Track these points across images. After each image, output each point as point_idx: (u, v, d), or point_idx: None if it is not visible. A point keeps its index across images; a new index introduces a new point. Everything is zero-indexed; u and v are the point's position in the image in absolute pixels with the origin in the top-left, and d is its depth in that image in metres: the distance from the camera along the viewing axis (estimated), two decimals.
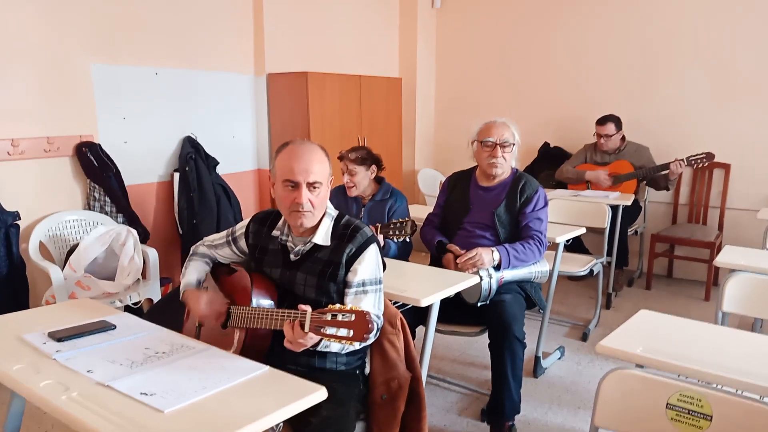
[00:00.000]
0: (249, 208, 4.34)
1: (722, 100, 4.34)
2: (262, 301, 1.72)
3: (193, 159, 3.79)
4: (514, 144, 2.55)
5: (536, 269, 2.53)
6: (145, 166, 3.75)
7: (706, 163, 3.95)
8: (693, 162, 3.94)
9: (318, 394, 1.32)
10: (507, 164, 2.57)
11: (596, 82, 4.84)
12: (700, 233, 4.33)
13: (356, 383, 1.79)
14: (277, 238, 1.83)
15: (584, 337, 3.51)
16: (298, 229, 1.78)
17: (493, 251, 2.40)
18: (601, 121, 4.31)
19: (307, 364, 1.73)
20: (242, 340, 1.69)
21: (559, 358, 3.24)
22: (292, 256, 1.79)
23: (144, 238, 3.50)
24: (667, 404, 1.39)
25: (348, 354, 1.78)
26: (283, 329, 1.52)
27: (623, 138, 4.36)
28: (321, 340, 1.50)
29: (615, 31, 4.72)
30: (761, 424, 1.26)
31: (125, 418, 1.20)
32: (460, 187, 2.72)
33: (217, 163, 3.95)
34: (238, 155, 4.33)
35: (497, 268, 2.41)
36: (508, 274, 2.44)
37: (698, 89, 4.41)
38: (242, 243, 1.92)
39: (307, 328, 1.47)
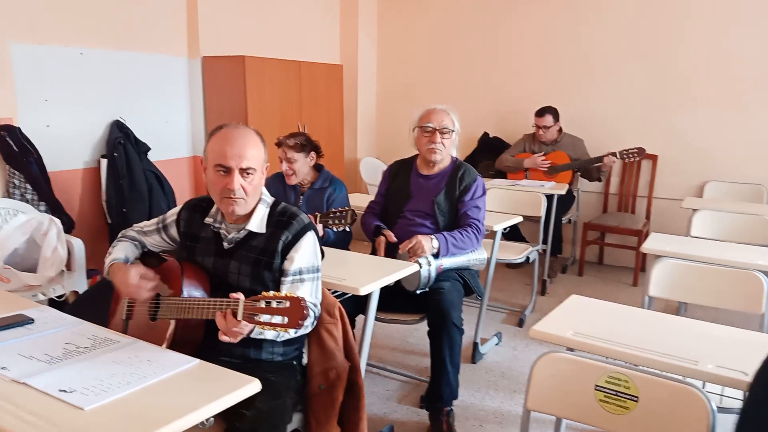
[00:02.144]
0: (184, 196, 4.19)
1: (652, 96, 4.52)
2: (193, 291, 1.66)
3: (122, 144, 3.61)
4: (453, 131, 2.57)
5: (474, 257, 2.56)
6: (70, 151, 3.55)
7: (638, 158, 4.12)
8: (625, 156, 4.10)
9: (251, 386, 1.28)
10: (446, 151, 2.59)
11: (536, 76, 4.95)
12: (629, 221, 4.53)
13: (293, 374, 1.76)
14: (209, 225, 1.76)
15: (520, 323, 3.60)
16: (230, 216, 1.72)
17: (432, 239, 2.41)
18: (540, 113, 4.41)
19: (242, 356, 1.69)
20: (173, 333, 1.62)
21: (497, 344, 3.31)
22: (225, 244, 1.73)
23: (69, 227, 3.31)
24: (596, 386, 1.43)
25: (285, 344, 1.75)
26: (215, 320, 1.47)
27: (560, 130, 4.49)
28: (255, 327, 1.46)
29: (555, 27, 4.83)
30: (684, 403, 1.31)
31: (42, 417, 1.12)
32: (401, 175, 2.71)
33: (149, 148, 3.78)
34: (172, 141, 4.16)
35: (436, 255, 2.43)
36: (447, 262, 2.46)
37: (631, 85, 4.59)
38: (173, 230, 1.84)
39: (239, 317, 1.42)
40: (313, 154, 2.81)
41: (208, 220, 1.77)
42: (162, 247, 1.88)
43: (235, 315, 1.43)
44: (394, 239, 2.47)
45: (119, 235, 1.89)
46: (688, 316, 2.20)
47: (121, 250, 1.80)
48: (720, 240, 3.08)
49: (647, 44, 4.50)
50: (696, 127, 4.41)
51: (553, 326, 1.69)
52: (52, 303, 2.85)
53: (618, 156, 4.10)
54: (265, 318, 1.39)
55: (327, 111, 4.90)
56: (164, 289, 1.70)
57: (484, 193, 2.61)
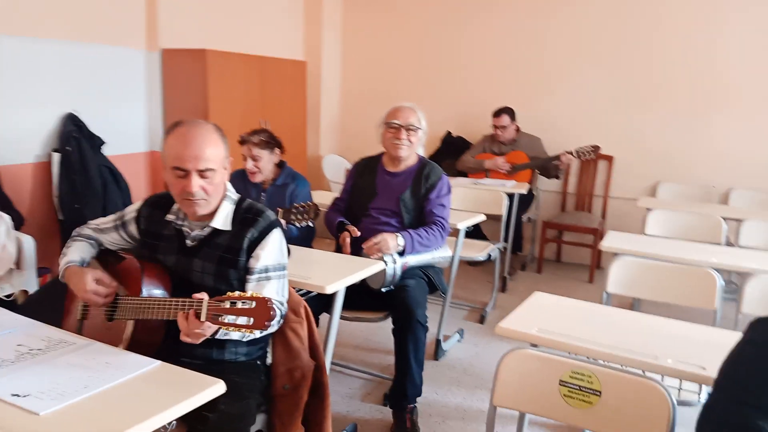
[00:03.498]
0: (140, 193, 4.06)
1: (609, 99, 4.64)
2: (153, 291, 1.60)
3: (76, 138, 3.47)
4: (420, 129, 2.57)
5: (439, 254, 2.57)
6: (20, 144, 3.39)
7: (593, 156, 4.22)
8: (581, 154, 4.19)
9: (215, 388, 1.25)
10: (412, 148, 2.59)
11: (498, 77, 5.01)
12: (586, 220, 4.64)
13: (257, 374, 1.73)
14: (171, 223, 1.71)
15: (482, 320, 3.64)
16: (193, 215, 1.67)
17: (397, 236, 2.41)
18: (497, 113, 4.49)
19: (204, 357, 1.64)
20: (131, 334, 1.56)
21: (459, 341, 3.33)
22: (188, 242, 1.68)
23: (18, 224, 3.16)
24: (560, 381, 1.46)
25: (249, 344, 1.71)
26: (177, 320, 1.42)
27: (517, 129, 4.56)
28: (219, 328, 1.43)
29: (517, 30, 4.90)
30: (646, 397, 1.35)
31: None
32: (367, 172, 2.70)
33: (103, 143, 3.65)
34: (129, 136, 4.03)
35: (401, 253, 2.42)
36: (412, 260, 2.46)
37: (588, 88, 4.69)
38: (132, 228, 1.78)
39: (203, 317, 1.38)
40: (277, 151, 2.77)
41: (170, 217, 1.71)
42: (120, 246, 1.82)
43: (198, 316, 1.39)
44: (358, 233, 2.46)
45: (74, 233, 1.81)
46: (642, 311, 2.27)
47: (76, 251, 1.73)
48: (673, 238, 3.19)
49: (604, 48, 4.61)
50: (650, 129, 4.55)
51: (518, 323, 1.71)
52: (0, 303, 2.72)
53: (574, 153, 4.20)
54: (229, 319, 1.35)
55: (290, 108, 4.84)
56: (122, 289, 1.64)
57: (449, 191, 2.62)
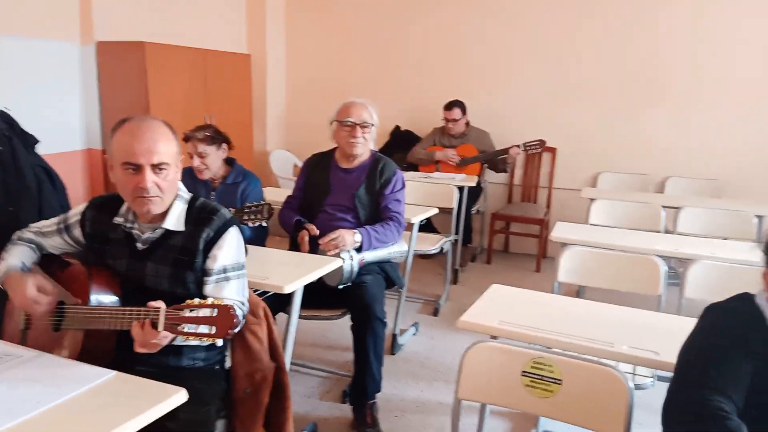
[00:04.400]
0: (78, 193, 3.87)
1: (551, 92, 4.77)
2: (103, 298, 1.52)
3: (8, 137, 3.25)
4: (373, 125, 2.56)
5: (395, 249, 2.58)
6: None
7: (539, 149, 4.33)
8: (528, 148, 4.29)
9: (177, 396, 1.21)
10: (367, 145, 2.58)
11: (445, 70, 5.05)
12: (532, 211, 4.76)
13: (217, 380, 1.68)
14: (120, 225, 1.63)
15: (436, 312, 3.68)
16: (145, 216, 1.60)
17: (354, 233, 2.40)
18: (448, 106, 4.52)
19: (160, 364, 1.57)
20: (80, 343, 1.48)
21: (414, 334, 3.36)
22: (139, 245, 1.60)
23: None
24: (523, 372, 1.49)
25: (207, 349, 1.66)
26: (132, 334, 1.36)
27: (467, 123, 4.62)
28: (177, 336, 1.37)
29: (463, 23, 4.95)
30: (605, 383, 1.39)
31: None
32: (320, 168, 2.67)
33: (37, 141, 3.43)
34: (64, 133, 3.82)
35: (358, 249, 2.41)
36: (369, 256, 2.46)
37: (532, 81, 4.80)
38: (77, 232, 1.68)
39: (160, 328, 1.33)
40: (225, 146, 2.70)
41: (118, 219, 1.63)
42: (64, 250, 1.72)
43: (155, 326, 1.33)
44: (317, 231, 2.43)
45: (14, 236, 1.70)
46: (586, 298, 2.34)
47: (16, 256, 1.62)
48: (616, 227, 3.31)
49: (546, 44, 4.73)
50: (590, 122, 4.71)
51: (480, 316, 1.73)
52: None
53: (522, 148, 4.30)
54: (189, 328, 1.30)
55: (235, 102, 4.73)
56: (68, 296, 1.56)
57: (403, 186, 2.63)
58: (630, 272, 2.33)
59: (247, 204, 2.37)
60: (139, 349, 1.37)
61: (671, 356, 1.47)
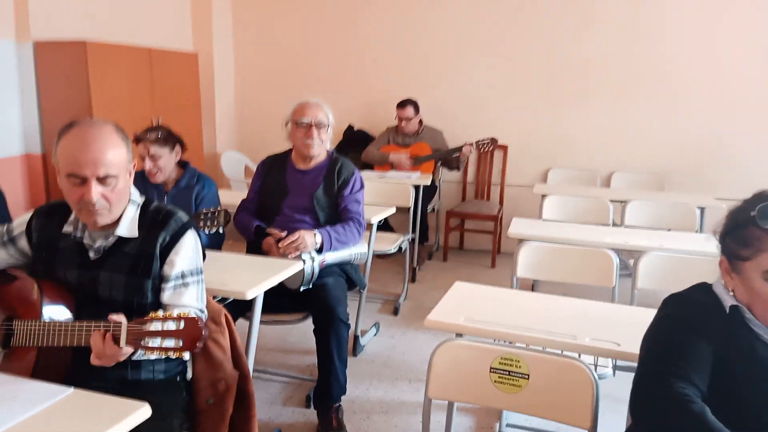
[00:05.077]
0: (17, 201, 3.67)
1: (501, 90, 4.86)
2: (55, 312, 1.44)
3: None
4: (329, 125, 2.53)
5: (356, 250, 2.56)
6: None
7: (491, 147, 4.41)
8: (481, 146, 4.36)
9: (141, 411, 1.15)
10: (323, 145, 2.55)
11: (397, 69, 5.06)
12: (486, 208, 4.83)
13: (178, 392, 1.62)
14: (69, 234, 1.55)
15: (395, 311, 3.69)
16: (93, 225, 1.52)
17: (315, 234, 2.37)
18: (401, 105, 4.54)
19: (117, 378, 1.51)
20: (32, 360, 1.40)
21: (375, 335, 3.35)
22: (91, 254, 1.53)
23: None
24: (491, 368, 1.50)
25: (167, 360, 1.60)
26: (91, 343, 1.29)
27: (421, 121, 4.65)
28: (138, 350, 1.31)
29: (412, 21, 4.97)
30: (571, 375, 1.42)
31: None
32: (275, 170, 2.62)
33: None
34: (1, 138, 3.61)
35: (319, 251, 2.38)
36: (330, 257, 2.43)
37: (482, 80, 4.88)
38: (23, 243, 1.59)
39: (122, 343, 1.27)
40: (178, 148, 2.61)
41: (68, 228, 1.55)
42: (8, 263, 1.61)
43: (116, 341, 1.27)
44: (282, 234, 2.38)
45: None
46: (542, 292, 2.39)
47: None
48: (567, 221, 3.41)
49: (495, 42, 4.81)
50: (539, 119, 4.82)
51: (445, 314, 1.74)
52: None
53: (474, 146, 4.36)
54: (154, 342, 1.25)
55: (182, 102, 4.59)
56: (14, 311, 1.47)
57: (362, 186, 2.61)
58: (584, 265, 2.40)
59: (203, 210, 2.30)
60: (94, 362, 1.30)
61: (631, 346, 1.53)
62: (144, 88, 4.16)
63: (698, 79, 4.42)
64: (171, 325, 1.24)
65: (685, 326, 1.19)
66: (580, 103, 4.70)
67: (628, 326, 1.68)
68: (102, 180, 1.43)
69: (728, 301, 1.21)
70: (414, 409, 2.61)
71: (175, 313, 1.26)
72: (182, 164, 2.70)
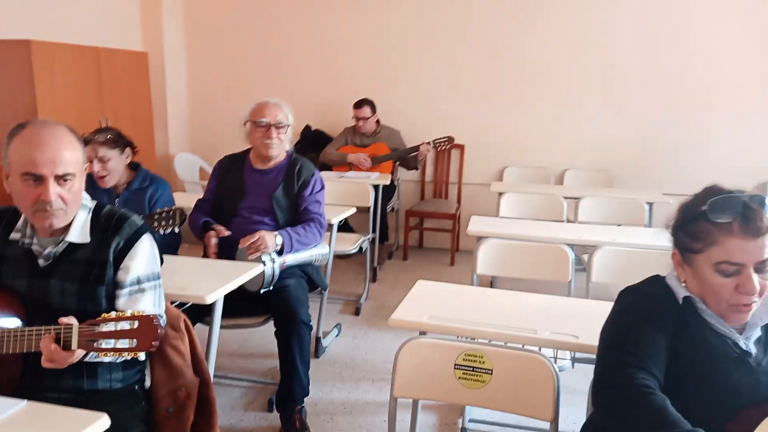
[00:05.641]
0: None
1: (457, 90, 4.92)
2: (2, 321, 1.38)
3: None
4: (288, 125, 2.51)
5: (317, 251, 2.54)
6: None
7: (448, 146, 4.46)
8: (438, 144, 4.40)
9: (99, 423, 1.12)
10: (282, 146, 2.52)
11: (353, 69, 5.05)
12: (444, 206, 4.88)
13: (137, 401, 1.57)
14: (17, 241, 1.48)
15: (357, 312, 3.68)
16: (46, 230, 1.46)
17: (275, 235, 2.34)
18: (358, 105, 4.54)
19: (73, 389, 1.45)
20: None
21: (337, 336, 3.34)
22: (41, 262, 1.47)
23: None
24: (455, 365, 1.52)
25: (124, 368, 1.55)
26: (41, 347, 1.24)
27: (378, 121, 4.66)
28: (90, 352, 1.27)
29: (368, 21, 4.97)
30: (533, 369, 1.45)
31: None
32: (233, 170, 2.58)
33: None
34: None
35: (280, 252, 2.35)
36: (291, 258, 2.41)
37: (439, 79, 4.92)
38: None
39: (74, 346, 1.22)
40: (128, 150, 2.53)
41: (15, 235, 1.48)
42: None
43: (68, 345, 1.22)
44: (227, 233, 2.34)
45: None
46: (499, 287, 2.43)
47: None
48: (523, 218, 3.48)
49: (450, 42, 4.86)
50: (494, 118, 4.90)
51: (409, 313, 1.75)
52: None
53: (432, 145, 4.40)
54: (108, 344, 1.21)
55: (132, 104, 4.46)
56: None
57: (322, 187, 2.60)
58: (541, 261, 2.45)
59: (157, 210, 2.24)
60: (46, 364, 1.26)
61: (589, 338, 1.57)
62: (91, 89, 4.01)
63: (642, 79, 4.59)
64: (124, 325, 1.21)
65: (641, 318, 1.23)
66: (533, 103, 4.81)
67: (585, 319, 1.73)
68: (59, 179, 1.39)
69: (681, 292, 1.26)
70: (378, 409, 2.61)
71: (128, 313, 1.23)
72: (134, 166, 2.62)
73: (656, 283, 1.30)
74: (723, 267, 1.18)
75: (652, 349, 1.17)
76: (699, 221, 1.21)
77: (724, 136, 4.53)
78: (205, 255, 2.48)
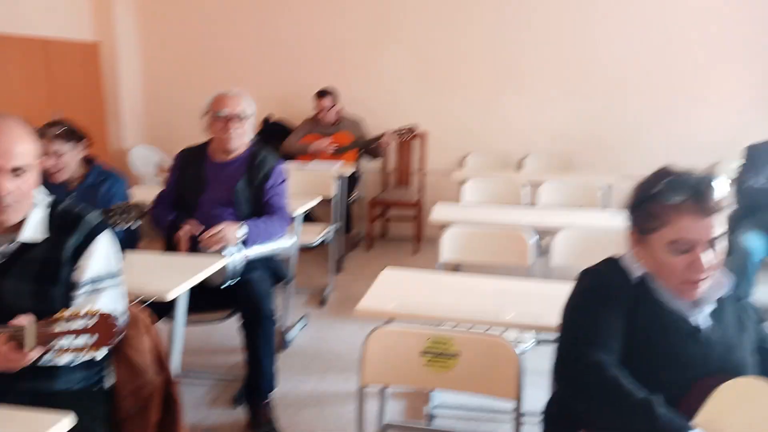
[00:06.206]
0: None
1: (419, 78, 4.93)
2: None
3: None
4: (249, 117, 2.47)
5: (281, 243, 2.52)
6: None
7: (412, 134, 4.47)
8: (400, 133, 4.41)
9: (62, 423, 1.09)
10: (243, 137, 2.48)
11: (314, 58, 5.00)
12: (407, 195, 4.91)
13: (98, 402, 1.53)
14: None
15: (322, 303, 3.67)
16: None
17: (239, 226, 2.30)
18: (319, 95, 4.51)
19: (31, 392, 1.41)
20: None
21: (303, 328, 3.32)
22: None
23: None
24: (422, 351, 1.54)
25: (84, 369, 1.51)
26: None
27: (340, 111, 4.63)
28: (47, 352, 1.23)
29: (328, 9, 4.92)
30: (496, 352, 1.48)
31: None
32: (193, 162, 2.52)
33: None
34: None
35: (244, 244, 2.32)
36: (254, 251, 2.38)
37: (400, 68, 4.92)
38: None
39: (27, 348, 1.18)
40: (82, 144, 2.45)
41: None
42: None
43: (21, 346, 1.18)
44: (198, 227, 2.29)
45: None
46: (464, 273, 2.46)
47: None
48: (485, 204, 3.52)
49: (410, 31, 4.87)
50: (455, 106, 4.94)
51: (375, 302, 1.75)
52: None
53: (395, 133, 4.40)
54: (64, 343, 1.17)
55: (84, 96, 4.32)
56: None
57: (285, 178, 2.57)
58: (504, 246, 2.50)
59: (114, 205, 2.18)
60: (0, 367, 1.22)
61: (550, 320, 1.60)
62: (39, 82, 3.86)
63: (598, 65, 4.69)
64: (81, 323, 1.17)
65: (598, 297, 1.27)
66: (494, 90, 4.86)
67: (547, 300, 1.77)
68: (14, 171, 1.35)
69: (636, 271, 1.30)
70: (345, 399, 2.62)
71: (84, 309, 1.20)
72: (88, 161, 2.54)
73: (612, 263, 1.34)
74: (676, 245, 1.22)
75: (608, 327, 1.21)
76: (653, 201, 1.25)
77: (677, 119, 4.67)
78: (169, 250, 2.43)
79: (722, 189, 1.23)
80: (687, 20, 4.52)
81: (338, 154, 4.44)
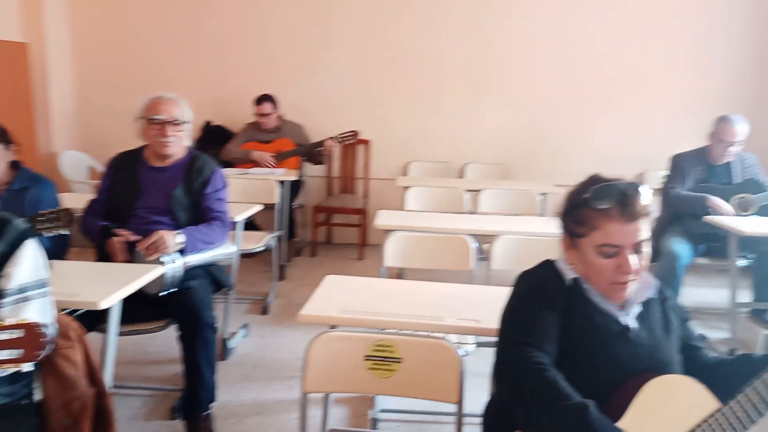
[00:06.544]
0: None
1: (361, 85, 4.95)
2: None
3: None
4: (186, 122, 2.41)
5: (222, 250, 2.46)
6: None
7: (353, 140, 4.48)
8: (343, 139, 4.42)
9: None
10: (180, 143, 2.41)
11: (255, 63, 4.94)
12: (352, 201, 4.91)
13: (26, 416, 1.46)
14: None
15: (265, 311, 3.62)
16: None
17: (176, 234, 2.24)
18: (259, 101, 4.46)
19: None
20: None
21: (245, 336, 3.26)
22: None
23: None
24: (366, 356, 1.54)
25: (10, 382, 1.43)
26: None
27: (280, 117, 4.59)
28: None
29: (269, 15, 4.87)
30: (439, 355, 1.51)
31: None
32: (127, 168, 2.44)
33: None
34: None
35: (182, 252, 2.26)
36: (194, 259, 2.32)
37: (342, 74, 4.93)
38: None
39: None
40: (10, 147, 2.33)
41: None
42: None
43: None
44: (134, 237, 2.22)
45: None
46: (407, 278, 2.48)
47: None
48: (428, 211, 3.58)
49: (351, 38, 4.89)
50: (397, 114, 5.00)
51: (318, 308, 1.74)
52: None
53: (337, 139, 4.41)
54: None
55: (9, 98, 4.10)
56: None
57: (225, 184, 2.52)
58: (445, 252, 2.54)
59: (42, 212, 2.08)
60: None
61: (490, 323, 1.64)
62: None
63: (534, 78, 4.86)
64: (5, 335, 1.12)
65: (534, 299, 1.32)
66: (435, 100, 4.95)
67: (487, 304, 1.81)
68: None
69: (569, 274, 1.36)
70: (289, 407, 2.59)
71: (11, 321, 1.14)
72: (14, 165, 2.42)
73: (547, 266, 1.40)
74: (604, 249, 1.28)
75: (544, 328, 1.26)
76: (582, 208, 1.31)
77: (608, 130, 4.90)
78: (101, 259, 2.33)
79: (647, 196, 1.30)
80: (616, 37, 4.76)
81: (280, 160, 4.40)
